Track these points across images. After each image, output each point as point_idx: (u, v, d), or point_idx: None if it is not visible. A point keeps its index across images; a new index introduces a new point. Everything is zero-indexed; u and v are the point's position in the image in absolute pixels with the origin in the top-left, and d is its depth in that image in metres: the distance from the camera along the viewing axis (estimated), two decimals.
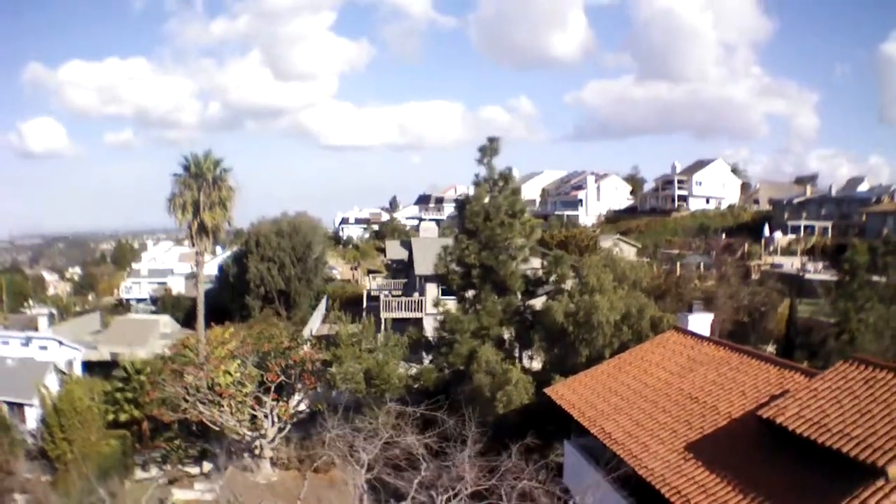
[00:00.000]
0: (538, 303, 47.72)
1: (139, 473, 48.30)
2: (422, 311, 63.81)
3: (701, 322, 35.71)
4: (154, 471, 48.39)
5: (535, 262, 50.68)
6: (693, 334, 34.46)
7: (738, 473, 21.52)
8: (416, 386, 47.06)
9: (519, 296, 48.49)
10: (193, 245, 61.50)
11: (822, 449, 19.55)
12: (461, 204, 50.70)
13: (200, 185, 58.42)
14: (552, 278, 48.00)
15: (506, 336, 47.24)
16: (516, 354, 47.46)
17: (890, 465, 17.56)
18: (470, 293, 48.84)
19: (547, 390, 35.62)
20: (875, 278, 53.17)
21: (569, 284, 46.22)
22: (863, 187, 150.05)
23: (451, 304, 49.19)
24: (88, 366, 71.05)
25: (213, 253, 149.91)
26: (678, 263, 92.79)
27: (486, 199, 48.55)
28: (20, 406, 56.91)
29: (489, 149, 48.58)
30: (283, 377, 43.22)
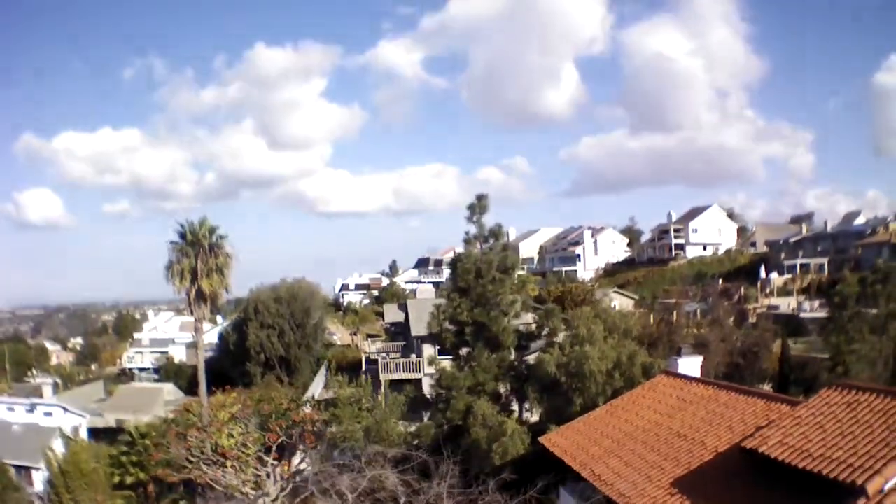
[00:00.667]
0: (532, 357, 48.18)
1: None
2: (420, 371, 64.28)
3: (690, 364, 36.12)
4: None
5: (528, 318, 51.28)
6: (683, 376, 34.88)
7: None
8: (415, 442, 47.46)
9: (512, 351, 49.03)
10: (192, 312, 62.27)
11: (804, 473, 19.83)
12: (453, 262, 51.31)
13: (197, 252, 59.31)
14: (544, 332, 48.65)
15: (501, 390, 47.74)
16: (513, 408, 47.94)
17: (869, 483, 17.83)
18: (464, 350, 49.35)
19: (541, 439, 36.05)
20: (865, 310, 53.69)
21: (561, 337, 46.79)
22: (859, 221, 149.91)
23: (446, 362, 49.74)
24: (94, 432, 71.69)
25: (214, 322, 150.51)
26: (674, 312, 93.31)
27: (477, 257, 49.25)
28: (27, 469, 57.61)
29: (478, 206, 49.38)
30: (283, 437, 43.59)
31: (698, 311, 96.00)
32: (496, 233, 49.68)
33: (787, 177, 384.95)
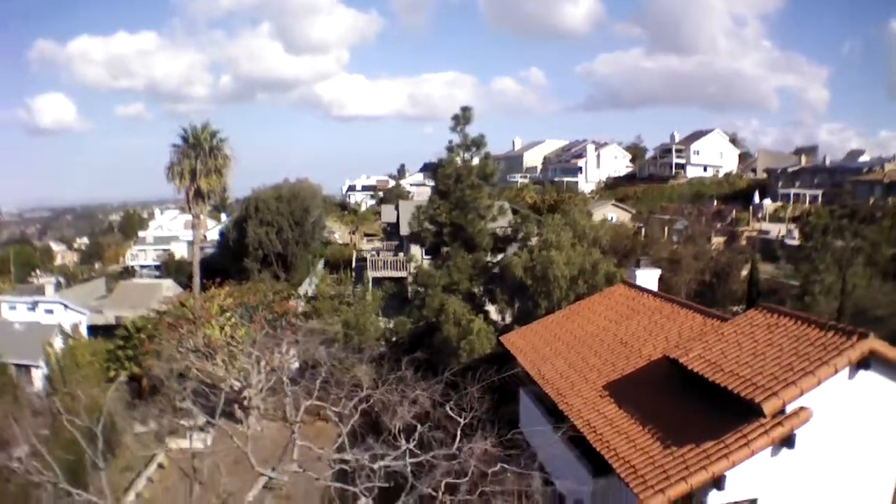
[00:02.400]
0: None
1: (137, 427, 49.90)
2: (405, 270, 65.14)
3: (648, 277, 36.82)
4: (152, 424, 49.93)
5: (505, 222, 52.29)
6: (638, 287, 35.81)
7: (643, 408, 22.99)
8: (393, 339, 48.69)
9: (488, 253, 50.20)
10: (191, 210, 63.40)
11: (715, 387, 20.85)
12: (434, 167, 52.35)
13: (198, 153, 60.21)
14: (520, 236, 49.78)
15: (475, 291, 48.89)
16: (487, 309, 49.06)
17: (766, 402, 18.74)
18: (444, 250, 50.62)
19: (502, 338, 37.33)
20: (833, 241, 54.36)
21: (534, 242, 47.82)
22: (864, 159, 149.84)
23: (426, 261, 50.91)
24: (94, 329, 72.09)
25: (218, 220, 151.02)
26: (665, 228, 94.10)
27: (459, 163, 50.29)
28: (27, 368, 58.41)
29: (462, 117, 50.29)
30: (267, 328, 44.54)
31: (688, 229, 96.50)
32: (478, 142, 50.66)
33: (801, 108, 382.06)
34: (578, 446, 25.30)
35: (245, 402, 45.77)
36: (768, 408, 18.81)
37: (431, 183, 57.97)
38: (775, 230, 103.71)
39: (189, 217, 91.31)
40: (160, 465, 43.06)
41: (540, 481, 22.62)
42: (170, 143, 61.52)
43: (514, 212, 56.70)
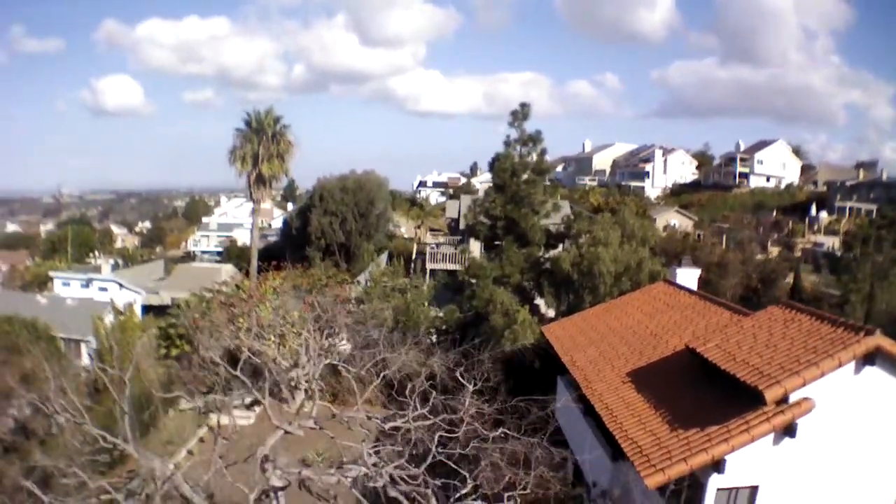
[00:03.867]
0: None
1: (183, 403, 50.59)
2: (463, 262, 65.70)
3: (688, 276, 37.20)
4: (198, 400, 50.51)
5: (558, 219, 52.79)
6: (677, 285, 36.25)
7: (660, 394, 23.54)
8: (443, 327, 49.25)
9: (541, 248, 50.76)
10: (251, 194, 64.33)
11: (726, 375, 21.32)
12: (492, 161, 52.88)
13: (261, 139, 61.24)
14: (572, 233, 50.29)
15: (525, 284, 49.43)
16: (537, 303, 49.66)
17: (768, 390, 19.20)
18: (498, 244, 51.33)
19: (543, 328, 38.03)
20: (874, 252, 54.18)
21: (584, 239, 48.33)
22: None
23: (477, 252, 51.55)
24: (148, 309, 71.41)
25: (284, 209, 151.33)
26: (724, 235, 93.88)
27: (515, 158, 50.95)
28: (77, 342, 58.63)
29: (520, 113, 50.92)
30: (319, 310, 45.13)
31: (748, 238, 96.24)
32: (534, 138, 51.17)
33: (867, 125, 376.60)
34: (605, 432, 25.85)
35: (292, 383, 46.36)
36: (770, 395, 19.21)
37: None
38: (829, 242, 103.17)
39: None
40: (201, 440, 43.66)
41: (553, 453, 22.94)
42: (233, 127, 62.65)
43: (573, 211, 57.10)
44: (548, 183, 54.33)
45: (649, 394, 23.99)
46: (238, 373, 29.78)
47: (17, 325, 51.07)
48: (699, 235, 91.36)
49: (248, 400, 45.96)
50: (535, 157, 51.63)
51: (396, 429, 23.48)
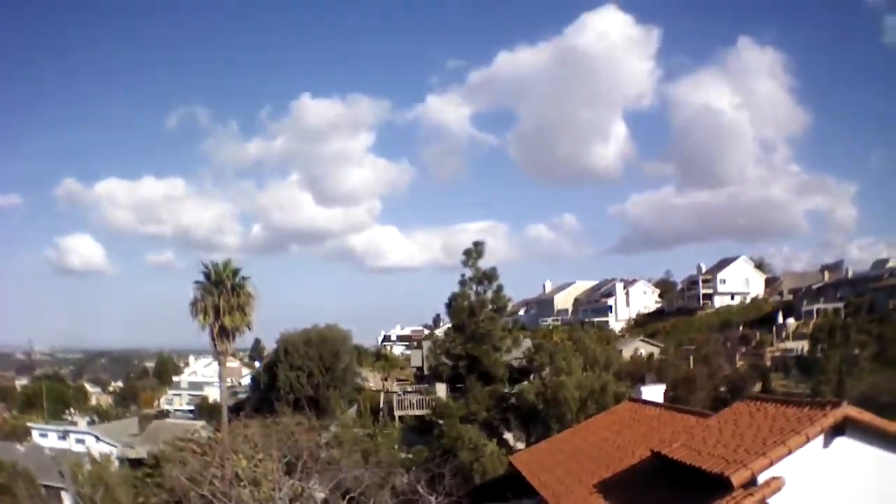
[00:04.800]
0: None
1: None
2: (430, 405, 65.59)
3: (653, 392, 36.95)
4: None
5: (520, 353, 52.83)
6: (643, 401, 36.13)
7: (628, 498, 23.34)
8: (412, 468, 48.84)
9: (505, 384, 50.65)
10: (215, 346, 64.43)
11: (692, 469, 20.97)
12: (449, 302, 53.03)
13: (220, 291, 61.60)
14: (535, 366, 50.27)
15: (492, 420, 49.14)
16: (505, 437, 49.34)
17: (734, 474, 18.77)
18: (461, 385, 51.22)
19: (511, 457, 37.72)
20: (842, 345, 54.51)
21: (547, 371, 48.39)
22: (891, 265, 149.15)
23: (442, 393, 51.37)
24: (125, 462, 70.47)
25: (252, 367, 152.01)
26: (690, 357, 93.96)
27: (472, 297, 51.13)
28: (57, 490, 58.69)
29: (474, 251, 51.54)
30: (290, 457, 44.67)
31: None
32: (490, 276, 51.54)
33: (831, 229, 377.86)
34: None
35: None
36: (736, 479, 18.78)
37: None
38: (799, 346, 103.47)
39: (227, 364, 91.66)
40: None
41: None
42: (193, 280, 62.95)
43: (534, 344, 57.23)
44: (507, 322, 54.42)
45: (618, 499, 23.64)
46: None
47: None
48: (663, 358, 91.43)
49: None
50: (491, 294, 51.84)
51: None
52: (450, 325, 57.72)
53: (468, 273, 51.77)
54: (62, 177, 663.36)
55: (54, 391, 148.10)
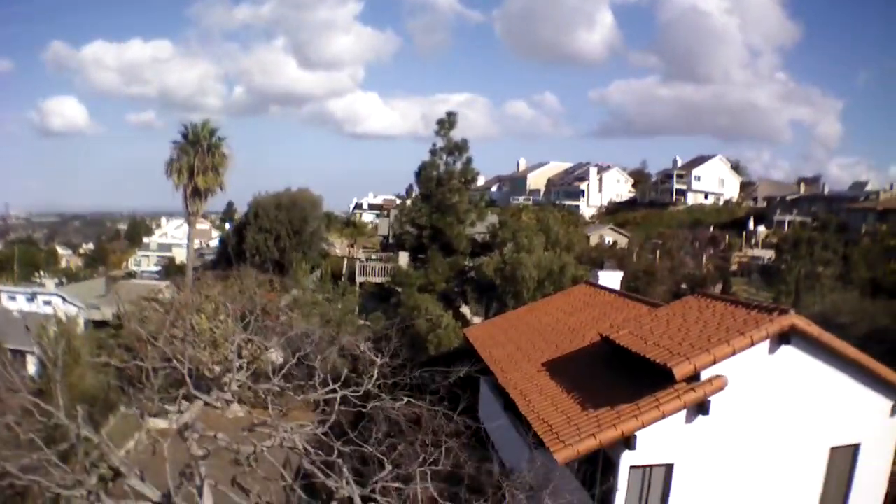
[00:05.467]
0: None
1: (122, 409, 50.45)
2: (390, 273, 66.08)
3: (610, 278, 37.29)
4: (135, 407, 50.18)
5: (484, 227, 53.03)
6: (598, 286, 36.48)
7: (574, 380, 23.54)
8: (369, 335, 49.35)
9: (466, 257, 50.95)
10: (187, 207, 64.22)
11: (639, 358, 21.41)
12: (418, 170, 53.05)
13: (196, 151, 61.21)
14: (497, 241, 50.48)
15: (450, 292, 49.60)
16: (462, 310, 49.79)
17: (676, 367, 19.18)
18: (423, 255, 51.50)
19: (464, 330, 38.16)
20: (805, 257, 54.97)
21: (509, 247, 48.60)
22: (868, 189, 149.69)
23: (404, 261, 51.63)
24: (90, 324, 71.90)
25: (223, 229, 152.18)
26: (656, 251, 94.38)
27: (442, 168, 51.11)
28: (22, 354, 59.19)
29: (447, 122, 51.29)
30: (249, 318, 45.10)
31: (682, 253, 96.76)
32: (461, 147, 51.43)
33: (814, 142, 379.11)
34: (525, 424, 25.94)
35: (226, 388, 46.05)
36: (679, 372, 19.18)
37: None
38: (767, 255, 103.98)
39: (196, 226, 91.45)
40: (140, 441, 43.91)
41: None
42: (170, 140, 62.65)
43: (499, 220, 57.46)
44: (476, 195, 54.43)
45: (563, 380, 24.00)
46: (172, 378, 29.65)
47: None
48: (626, 247, 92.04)
49: (183, 406, 45.70)
50: (460, 165, 51.82)
51: None
52: (417, 194, 57.72)
53: (440, 143, 51.68)
54: (51, 39, 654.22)
55: (26, 255, 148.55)
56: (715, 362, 19.48)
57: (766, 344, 20.15)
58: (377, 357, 23.78)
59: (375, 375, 22.92)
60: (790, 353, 20.44)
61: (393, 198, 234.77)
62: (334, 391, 22.90)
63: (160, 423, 44.57)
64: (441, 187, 50.67)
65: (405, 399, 21.90)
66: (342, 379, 23.77)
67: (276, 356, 46.19)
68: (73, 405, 23.62)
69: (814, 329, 20.45)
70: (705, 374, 19.54)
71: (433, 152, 51.50)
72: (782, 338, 20.21)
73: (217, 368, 44.83)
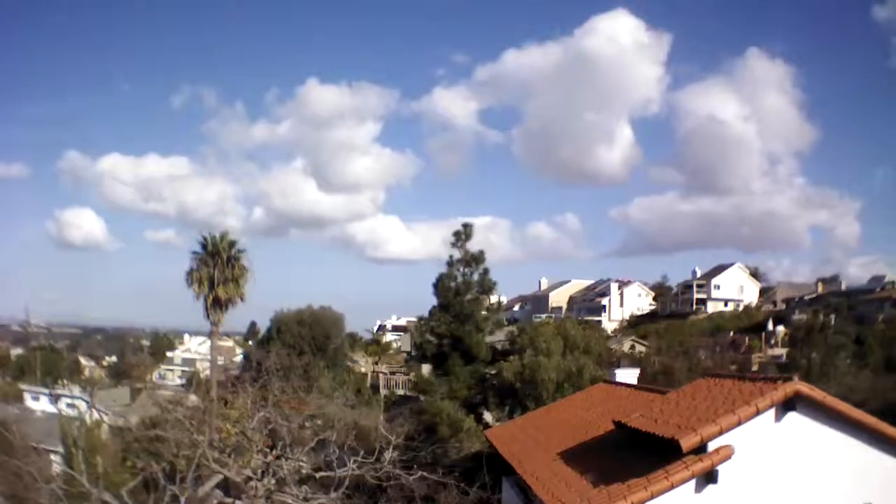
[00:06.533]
0: None
1: None
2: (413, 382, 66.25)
3: (627, 375, 37.70)
4: None
5: (503, 335, 53.52)
6: (616, 383, 36.76)
7: (587, 464, 23.71)
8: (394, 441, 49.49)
9: (486, 364, 51.36)
10: (209, 316, 64.65)
11: (647, 436, 21.56)
12: (436, 282, 53.69)
13: (216, 262, 61.99)
14: (516, 347, 50.93)
15: (472, 399, 49.83)
16: (485, 417, 49.93)
17: (683, 438, 19.38)
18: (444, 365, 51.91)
19: (486, 432, 38.41)
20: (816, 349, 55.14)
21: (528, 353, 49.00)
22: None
23: (426, 368, 52.08)
24: (115, 430, 72.20)
25: (247, 346, 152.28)
26: (677, 356, 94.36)
27: (459, 278, 51.81)
28: (47, 452, 59.07)
29: (463, 233, 52.20)
30: (274, 424, 45.07)
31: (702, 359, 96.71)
32: (477, 258, 52.21)
33: (832, 245, 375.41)
34: None
35: (252, 493, 45.95)
36: (685, 443, 19.35)
37: None
38: (785, 353, 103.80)
39: (218, 343, 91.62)
40: None
41: None
42: (190, 250, 63.46)
43: (518, 326, 57.95)
44: (496, 307, 55.06)
45: (577, 465, 24.20)
46: (200, 482, 29.83)
47: None
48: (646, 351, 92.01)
49: None
50: (477, 276, 52.52)
51: None
52: (436, 304, 58.24)
53: (456, 254, 52.50)
54: (66, 149, 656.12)
55: (49, 361, 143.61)
56: (721, 432, 19.69)
57: (771, 412, 20.31)
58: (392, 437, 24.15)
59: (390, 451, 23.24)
60: (797, 420, 20.56)
61: (415, 320, 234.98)
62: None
63: None
64: (459, 297, 51.37)
65: (419, 473, 22.22)
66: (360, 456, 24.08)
67: (301, 463, 46.27)
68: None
69: (818, 393, 20.67)
70: (712, 445, 19.71)
71: (450, 263, 52.45)
72: (787, 404, 20.35)
73: (245, 472, 44.94)
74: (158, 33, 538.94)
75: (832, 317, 63.80)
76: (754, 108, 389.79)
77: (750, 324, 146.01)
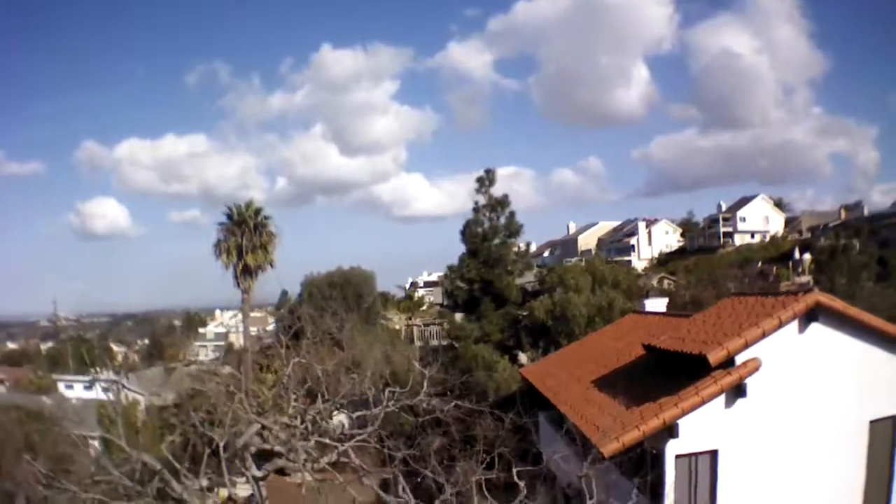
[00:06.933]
0: None
1: (188, 482, 50.62)
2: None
3: (656, 305, 37.96)
4: (203, 479, 50.52)
5: (532, 276, 53.80)
6: (645, 312, 37.08)
7: (620, 389, 24.01)
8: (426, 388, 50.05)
9: (517, 306, 51.67)
10: (238, 284, 64.87)
11: (676, 355, 22.06)
12: (463, 228, 53.98)
13: (243, 231, 62.14)
14: (546, 287, 51.23)
15: (506, 342, 50.21)
16: (519, 356, 50.34)
17: (710, 353, 19.89)
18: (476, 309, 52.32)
19: (521, 370, 38.89)
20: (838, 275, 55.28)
21: (557, 291, 49.28)
22: None
23: (458, 315, 52.46)
24: (151, 410, 72.45)
25: (278, 313, 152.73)
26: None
27: (486, 224, 52.09)
28: (84, 438, 59.59)
29: (486, 178, 52.33)
30: (311, 382, 45.46)
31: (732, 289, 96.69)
32: (502, 202, 52.38)
33: (854, 173, 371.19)
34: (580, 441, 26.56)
35: (292, 457, 46.35)
36: (713, 358, 19.86)
37: None
38: (812, 279, 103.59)
39: (251, 314, 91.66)
40: None
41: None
42: (216, 222, 63.72)
43: (546, 266, 58.29)
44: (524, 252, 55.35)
45: (610, 391, 24.59)
46: (239, 450, 30.09)
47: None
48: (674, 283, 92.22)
49: (255, 473, 46.10)
50: (503, 220, 52.74)
51: None
52: (465, 251, 58.40)
53: (481, 200, 52.70)
54: (83, 140, 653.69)
55: (80, 350, 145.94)
56: (747, 345, 20.14)
57: (794, 324, 20.77)
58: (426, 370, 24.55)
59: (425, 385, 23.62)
60: (820, 331, 21.02)
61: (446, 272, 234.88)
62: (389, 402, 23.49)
63: (238, 491, 44.98)
64: (486, 242, 51.68)
65: (453, 402, 22.65)
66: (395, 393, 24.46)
67: (340, 419, 46.77)
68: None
69: (838, 303, 21.05)
70: (740, 359, 20.18)
71: (476, 209, 52.65)
72: (810, 316, 20.79)
73: (283, 435, 45.35)
74: (169, 12, 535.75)
75: (855, 240, 63.05)
76: (766, 40, 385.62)
77: (777, 254, 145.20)
